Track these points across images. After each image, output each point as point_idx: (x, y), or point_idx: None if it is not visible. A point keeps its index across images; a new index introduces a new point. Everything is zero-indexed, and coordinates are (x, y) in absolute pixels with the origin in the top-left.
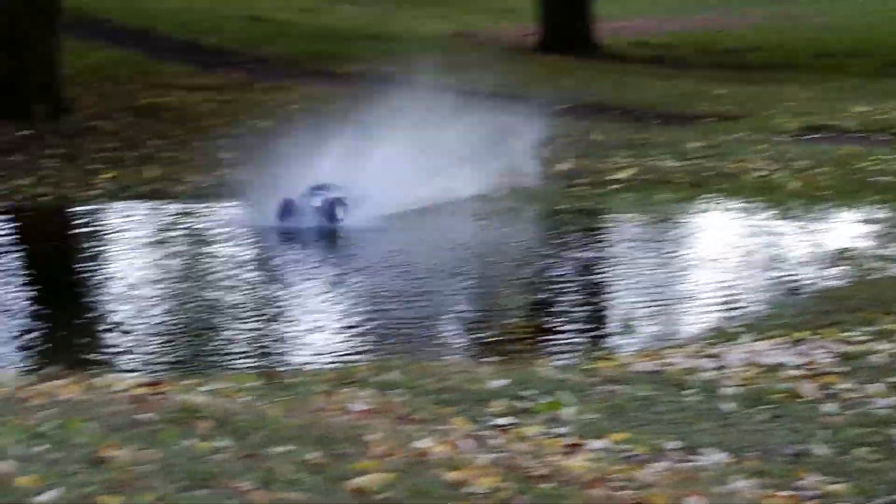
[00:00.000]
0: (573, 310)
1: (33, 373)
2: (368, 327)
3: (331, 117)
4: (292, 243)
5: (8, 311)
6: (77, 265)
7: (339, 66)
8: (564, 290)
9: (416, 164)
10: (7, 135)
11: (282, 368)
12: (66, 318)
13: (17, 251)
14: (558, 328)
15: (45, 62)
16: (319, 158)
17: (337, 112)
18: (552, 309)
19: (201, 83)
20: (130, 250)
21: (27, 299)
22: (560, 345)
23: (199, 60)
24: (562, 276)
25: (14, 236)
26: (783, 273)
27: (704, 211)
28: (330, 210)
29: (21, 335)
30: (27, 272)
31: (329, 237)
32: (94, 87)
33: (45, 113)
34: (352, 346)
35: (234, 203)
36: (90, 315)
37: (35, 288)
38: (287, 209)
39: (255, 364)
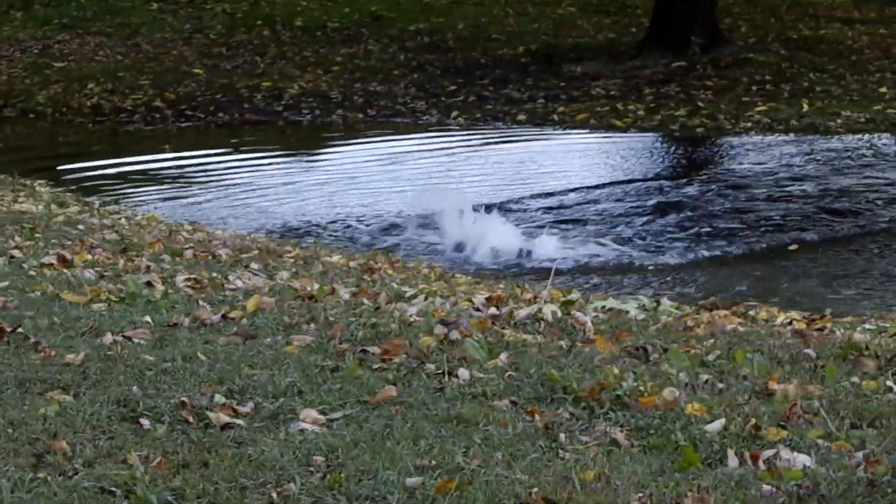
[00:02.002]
0: None
1: (689, 302)
2: None
3: None
4: None
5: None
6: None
7: None
8: None
9: None
10: (664, 65)
11: None
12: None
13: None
14: None
15: None
16: None
17: None
18: None
19: (858, 16)
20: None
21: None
22: None
23: None
24: None
25: (669, 163)
26: None
27: None
28: None
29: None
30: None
31: None
32: (747, 19)
33: (701, 44)
34: None
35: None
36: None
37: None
38: None
39: None
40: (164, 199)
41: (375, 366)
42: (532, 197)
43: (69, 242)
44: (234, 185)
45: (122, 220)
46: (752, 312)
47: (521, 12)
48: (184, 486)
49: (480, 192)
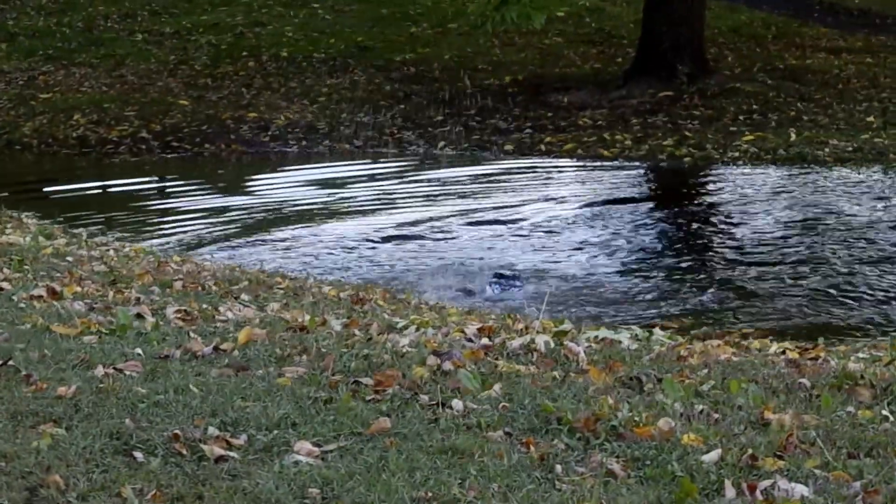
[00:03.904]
0: None
1: (680, 332)
2: None
3: None
4: None
5: (638, 266)
6: (707, 224)
7: None
8: None
9: None
10: (650, 95)
11: None
12: (701, 275)
13: (653, 208)
14: None
15: (690, 23)
16: None
17: None
18: None
19: (844, 45)
20: (764, 213)
21: (657, 254)
22: None
23: (841, 22)
24: None
25: (653, 193)
26: None
27: None
28: None
29: (652, 291)
30: (662, 228)
31: None
32: (733, 48)
33: (687, 73)
34: None
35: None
36: (720, 275)
37: (667, 244)
38: None
39: None
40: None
41: (369, 397)
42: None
43: (58, 274)
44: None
45: (111, 252)
46: (744, 342)
47: (508, 42)
48: None
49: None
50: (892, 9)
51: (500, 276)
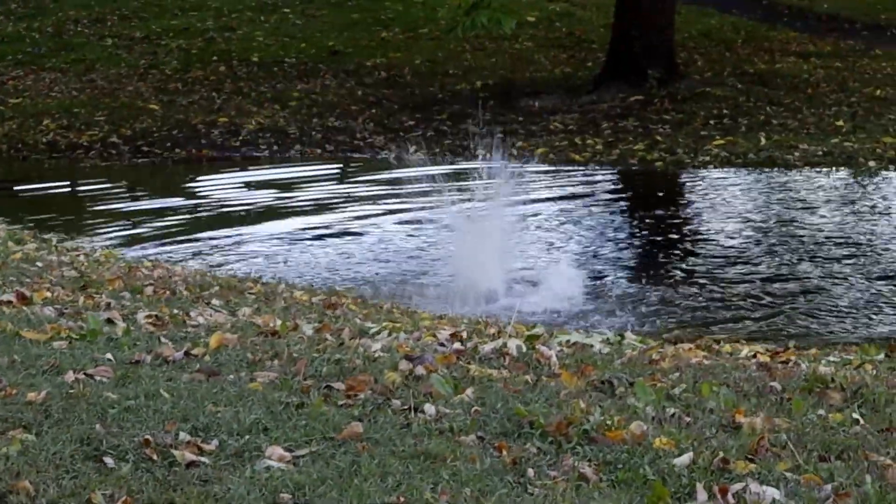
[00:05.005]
0: None
1: (652, 336)
2: None
3: None
4: None
5: (610, 269)
6: (679, 229)
7: None
8: None
9: None
10: (621, 99)
11: None
12: (673, 279)
13: (626, 213)
14: None
15: (660, 27)
16: None
17: None
18: None
19: (813, 49)
20: (734, 217)
21: (632, 257)
22: None
23: (810, 27)
24: None
25: (625, 198)
26: None
27: None
28: None
29: (626, 295)
30: (634, 233)
31: None
32: (703, 53)
33: (658, 78)
34: None
35: (848, 172)
36: (691, 278)
37: (641, 248)
38: None
39: (875, 336)
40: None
41: (341, 402)
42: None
43: (28, 280)
44: None
45: (81, 258)
46: (716, 346)
47: (478, 47)
48: None
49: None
50: (860, 14)
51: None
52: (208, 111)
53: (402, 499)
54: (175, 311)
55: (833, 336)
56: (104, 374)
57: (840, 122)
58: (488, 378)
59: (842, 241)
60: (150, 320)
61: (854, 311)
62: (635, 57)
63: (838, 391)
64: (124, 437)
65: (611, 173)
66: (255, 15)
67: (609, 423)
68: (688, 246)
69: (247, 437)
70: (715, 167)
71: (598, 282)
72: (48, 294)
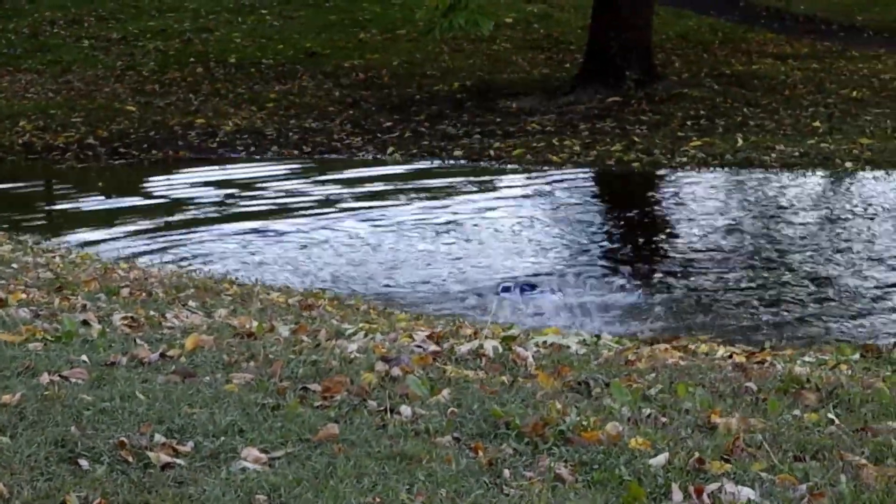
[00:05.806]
0: None
1: (628, 337)
2: None
3: None
4: None
5: (588, 270)
6: (657, 230)
7: None
8: None
9: None
10: (599, 100)
11: (883, 342)
12: (648, 281)
13: (604, 213)
14: None
15: (637, 28)
16: None
17: None
18: None
19: (790, 51)
20: (710, 217)
21: (609, 259)
22: None
23: (787, 28)
24: None
25: (603, 198)
26: None
27: None
28: None
29: (605, 296)
30: (612, 233)
31: None
32: (680, 54)
33: (635, 79)
34: None
35: (825, 174)
36: (671, 281)
37: (615, 250)
38: None
39: (850, 336)
40: None
41: (317, 403)
42: None
43: (2, 281)
44: None
45: (57, 259)
46: (692, 346)
47: (456, 48)
48: None
49: None
50: (837, 15)
51: (507, 289)
52: (185, 112)
53: (377, 500)
54: (151, 312)
55: (809, 337)
56: (79, 375)
57: (817, 124)
58: (464, 379)
59: (816, 243)
60: (125, 322)
61: (832, 312)
62: (613, 58)
63: (814, 391)
64: (99, 439)
65: (583, 174)
66: (232, 16)
67: (585, 423)
68: (663, 246)
69: (222, 438)
70: (691, 168)
71: (573, 280)
72: (23, 296)
